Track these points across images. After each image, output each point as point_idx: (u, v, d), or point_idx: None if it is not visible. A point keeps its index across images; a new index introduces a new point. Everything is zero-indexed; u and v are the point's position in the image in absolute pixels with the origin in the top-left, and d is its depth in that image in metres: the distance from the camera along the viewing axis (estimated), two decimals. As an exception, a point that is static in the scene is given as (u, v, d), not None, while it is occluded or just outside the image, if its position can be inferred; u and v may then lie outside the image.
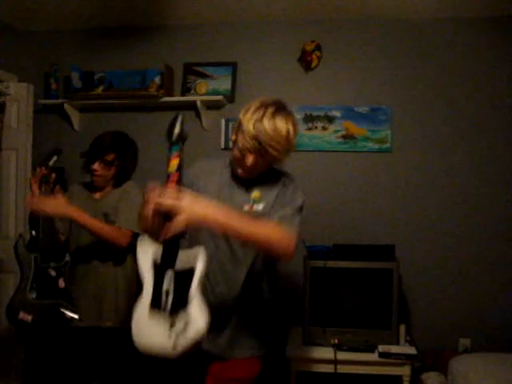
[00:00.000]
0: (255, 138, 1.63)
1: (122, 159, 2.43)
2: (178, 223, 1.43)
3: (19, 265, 2.32)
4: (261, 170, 1.75)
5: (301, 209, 1.76)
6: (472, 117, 3.21)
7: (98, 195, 2.49)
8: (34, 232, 3.22)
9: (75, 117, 3.52)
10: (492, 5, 3.04)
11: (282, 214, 1.70)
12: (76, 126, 3.54)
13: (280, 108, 1.69)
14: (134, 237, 2.25)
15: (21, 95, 3.30)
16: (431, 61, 3.25)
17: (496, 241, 3.15)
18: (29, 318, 2.21)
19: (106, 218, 2.37)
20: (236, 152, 1.72)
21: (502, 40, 3.19)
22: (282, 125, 1.64)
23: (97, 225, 2.27)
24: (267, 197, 1.77)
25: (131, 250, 2.33)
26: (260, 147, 1.64)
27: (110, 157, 2.39)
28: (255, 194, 1.77)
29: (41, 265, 2.28)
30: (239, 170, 1.76)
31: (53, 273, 2.28)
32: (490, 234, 3.16)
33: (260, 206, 1.76)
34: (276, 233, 1.62)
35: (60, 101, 3.45)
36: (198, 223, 1.49)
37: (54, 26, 3.51)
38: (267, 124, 1.63)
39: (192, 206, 1.46)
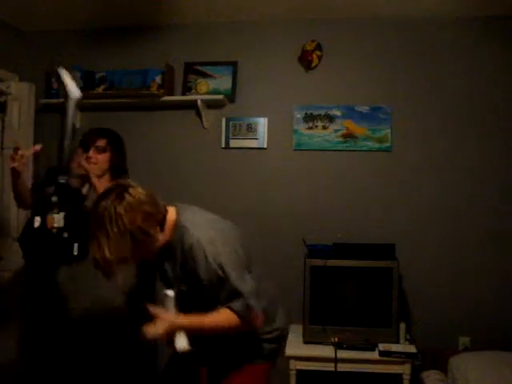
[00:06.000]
0: None
1: (114, 144, 2.51)
2: (157, 330, 1.67)
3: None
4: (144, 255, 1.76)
5: (227, 264, 1.71)
6: (472, 116, 3.22)
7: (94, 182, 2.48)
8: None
9: (76, 116, 3.53)
10: (492, 5, 3.04)
11: (228, 295, 1.70)
12: (77, 125, 3.51)
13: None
14: None
15: (22, 94, 3.31)
16: (431, 60, 3.25)
17: (496, 240, 3.15)
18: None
19: None
20: None
21: (503, 40, 3.19)
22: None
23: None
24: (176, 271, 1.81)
25: None
26: None
27: (102, 142, 2.49)
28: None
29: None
30: None
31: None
32: (489, 233, 3.16)
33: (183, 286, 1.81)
34: (235, 321, 1.69)
35: (61, 100, 3.44)
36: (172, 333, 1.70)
37: (55, 26, 3.52)
38: None
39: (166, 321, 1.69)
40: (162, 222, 1.73)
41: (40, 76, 3.52)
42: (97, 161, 2.47)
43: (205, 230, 1.75)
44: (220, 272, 1.68)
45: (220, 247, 1.71)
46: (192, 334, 1.72)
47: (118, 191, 1.66)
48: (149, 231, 1.66)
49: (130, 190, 1.66)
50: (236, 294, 1.68)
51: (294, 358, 2.80)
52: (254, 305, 1.71)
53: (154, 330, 1.66)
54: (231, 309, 1.68)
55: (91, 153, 2.46)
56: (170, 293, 1.76)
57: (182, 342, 1.69)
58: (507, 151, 3.18)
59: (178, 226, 1.75)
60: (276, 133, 3.39)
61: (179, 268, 1.78)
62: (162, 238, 1.74)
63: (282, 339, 2.00)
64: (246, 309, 1.69)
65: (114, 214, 1.61)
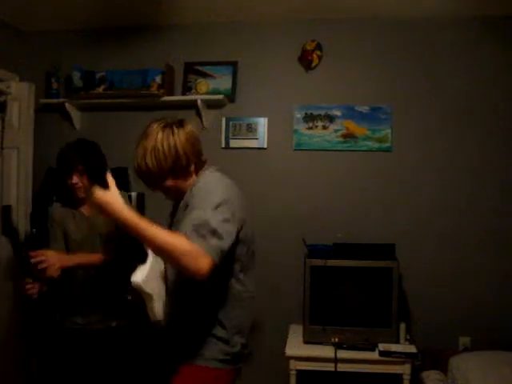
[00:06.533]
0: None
1: (94, 160, 2.36)
2: (97, 197, 1.52)
3: None
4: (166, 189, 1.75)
5: (216, 207, 1.56)
6: (472, 116, 3.22)
7: (85, 210, 2.42)
8: (34, 230, 3.24)
9: (76, 116, 3.53)
10: (492, 5, 3.04)
11: (189, 224, 1.53)
12: (77, 125, 3.55)
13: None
14: None
15: (22, 94, 3.31)
16: (431, 60, 3.25)
17: (496, 240, 3.15)
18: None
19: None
20: None
21: (503, 40, 3.19)
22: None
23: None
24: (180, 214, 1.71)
25: None
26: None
27: (81, 167, 2.32)
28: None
29: None
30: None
31: None
32: (489, 233, 3.16)
33: None
34: (185, 246, 1.46)
35: (61, 100, 3.47)
36: (108, 209, 1.52)
37: (55, 26, 3.52)
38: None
39: (114, 195, 1.55)
40: (198, 168, 1.76)
41: (40, 76, 3.52)
42: (82, 183, 2.33)
43: (220, 187, 1.67)
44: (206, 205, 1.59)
45: (220, 201, 1.59)
46: (132, 232, 1.50)
47: (179, 121, 1.74)
48: (189, 164, 1.71)
49: (191, 125, 1.76)
50: (203, 223, 1.52)
51: (294, 358, 2.80)
52: (209, 245, 1.49)
53: (101, 194, 1.52)
54: (184, 234, 1.51)
55: (75, 178, 2.31)
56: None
57: (137, 276, 1.64)
58: (507, 151, 3.18)
59: (201, 175, 1.75)
60: (276, 133, 3.39)
61: (181, 210, 1.71)
62: (189, 182, 1.74)
63: (241, 342, 1.74)
64: (200, 239, 1.49)
65: (169, 133, 1.68)
